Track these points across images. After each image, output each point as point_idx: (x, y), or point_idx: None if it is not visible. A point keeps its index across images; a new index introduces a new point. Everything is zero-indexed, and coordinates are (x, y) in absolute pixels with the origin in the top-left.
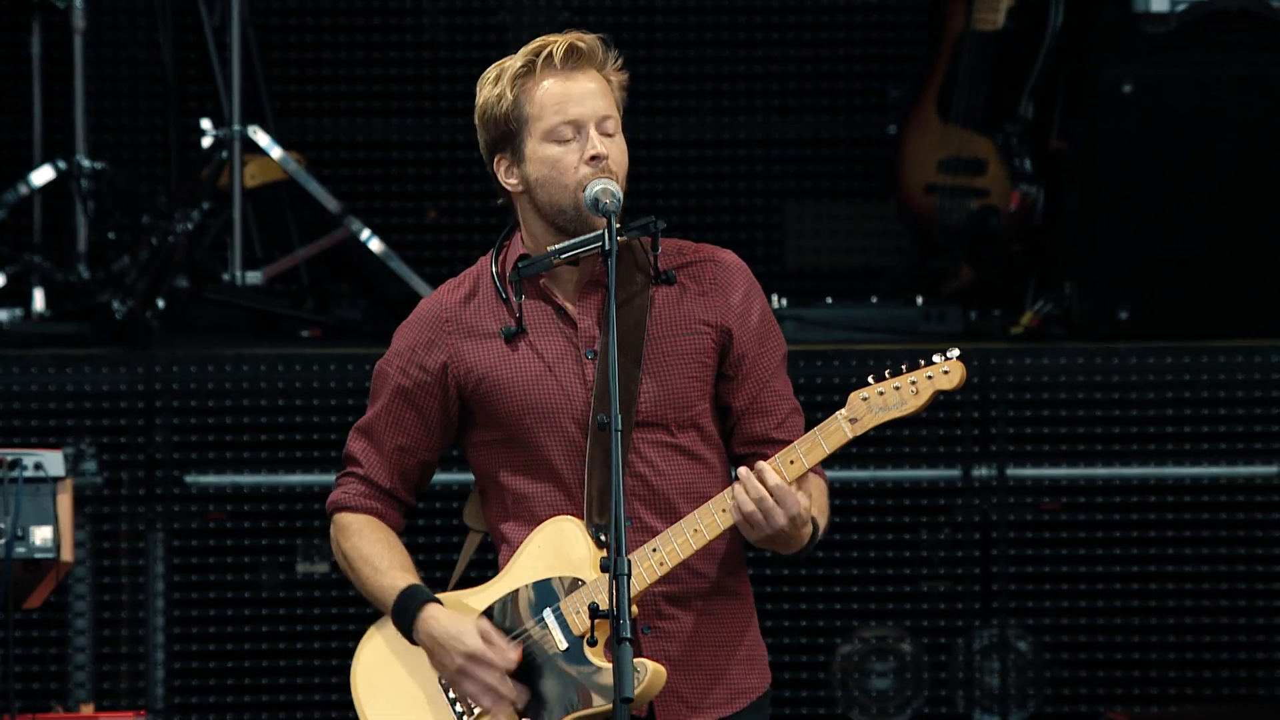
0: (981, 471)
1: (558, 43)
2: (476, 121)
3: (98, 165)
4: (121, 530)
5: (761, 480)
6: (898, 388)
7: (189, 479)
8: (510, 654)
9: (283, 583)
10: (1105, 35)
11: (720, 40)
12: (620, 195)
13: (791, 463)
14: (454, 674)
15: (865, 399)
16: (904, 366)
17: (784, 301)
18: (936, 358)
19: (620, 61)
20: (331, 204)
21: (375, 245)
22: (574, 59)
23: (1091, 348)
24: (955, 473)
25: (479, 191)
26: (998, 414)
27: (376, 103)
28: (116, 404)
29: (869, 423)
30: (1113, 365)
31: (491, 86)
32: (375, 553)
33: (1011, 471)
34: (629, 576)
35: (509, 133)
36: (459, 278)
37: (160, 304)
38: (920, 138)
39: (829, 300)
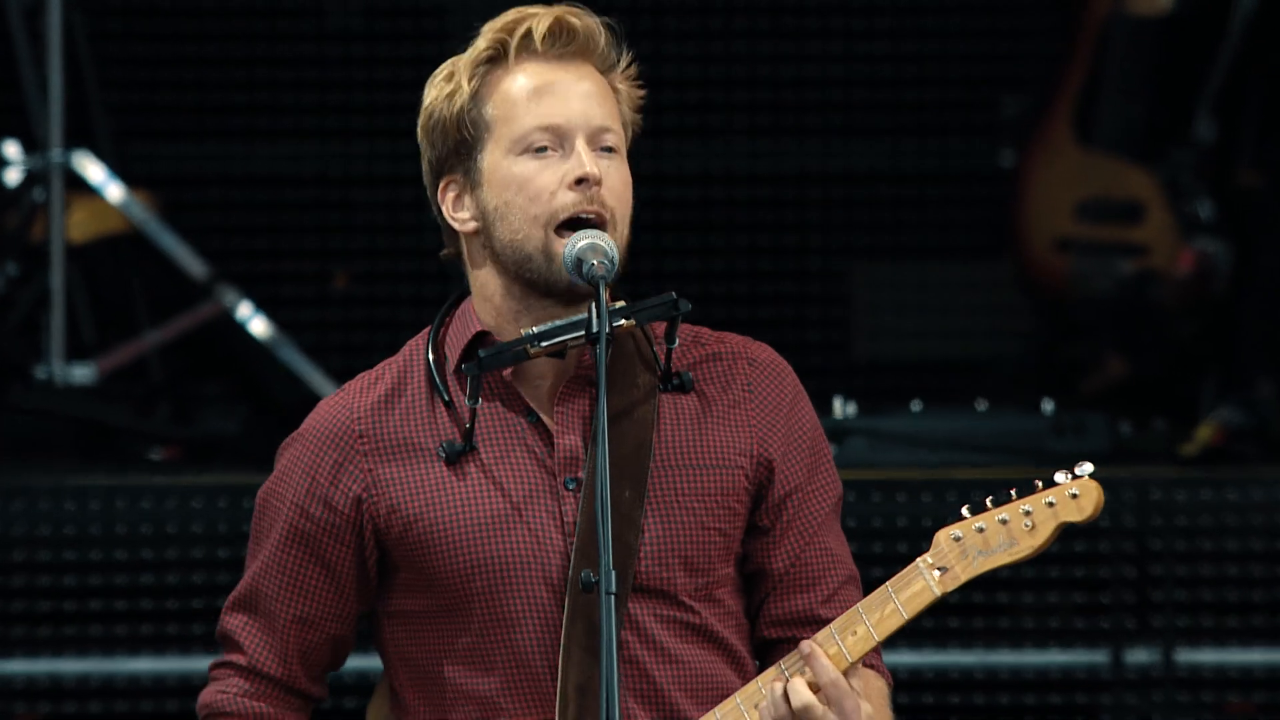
0: (1139, 656)
1: (538, 16)
2: (419, 133)
3: None
4: None
5: (815, 672)
6: (1004, 521)
7: None
8: None
9: None
10: None
11: (756, 31)
12: (615, 254)
13: (853, 635)
14: None
15: (958, 538)
16: (1013, 492)
17: (850, 408)
18: (1061, 477)
19: (633, 65)
20: (196, 267)
21: (258, 327)
22: (563, 42)
23: None
24: (1102, 658)
25: (407, 248)
26: (1162, 572)
27: (261, 120)
28: None
29: (964, 573)
30: None
31: (443, 83)
32: None
33: (1182, 657)
34: None
35: (463, 142)
36: (373, 371)
37: None
38: (1048, 170)
39: (915, 406)
